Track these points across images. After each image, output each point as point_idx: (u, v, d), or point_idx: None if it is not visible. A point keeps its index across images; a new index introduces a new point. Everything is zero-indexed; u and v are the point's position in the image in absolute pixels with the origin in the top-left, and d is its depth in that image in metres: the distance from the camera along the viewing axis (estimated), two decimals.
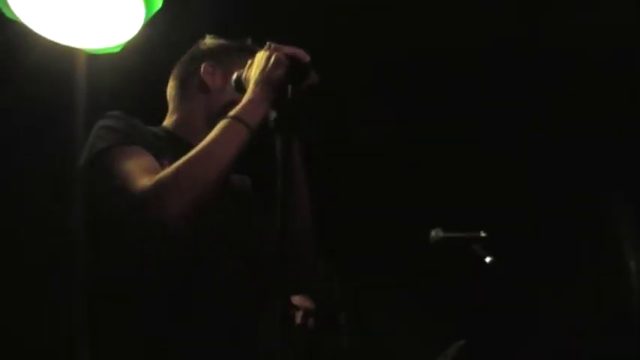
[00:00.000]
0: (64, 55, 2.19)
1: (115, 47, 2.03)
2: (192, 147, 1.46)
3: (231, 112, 1.47)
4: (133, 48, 2.02)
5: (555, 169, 3.87)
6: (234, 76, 1.60)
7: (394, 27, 3.17)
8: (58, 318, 3.20)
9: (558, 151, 3.81)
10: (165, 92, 1.76)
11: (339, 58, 2.92)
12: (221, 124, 1.46)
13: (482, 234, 2.39)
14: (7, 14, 1.95)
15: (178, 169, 1.39)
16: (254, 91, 1.49)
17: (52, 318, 3.26)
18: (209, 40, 1.76)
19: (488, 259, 2.36)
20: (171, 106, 1.74)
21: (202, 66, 1.68)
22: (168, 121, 1.71)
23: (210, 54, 1.72)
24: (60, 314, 3.17)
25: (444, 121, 3.65)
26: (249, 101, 1.48)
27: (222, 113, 1.52)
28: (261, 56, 1.52)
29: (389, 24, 3.15)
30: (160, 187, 1.36)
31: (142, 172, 1.41)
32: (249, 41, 1.73)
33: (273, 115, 1.47)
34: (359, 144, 3.69)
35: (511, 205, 3.91)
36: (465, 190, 3.93)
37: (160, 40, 1.99)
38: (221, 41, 1.75)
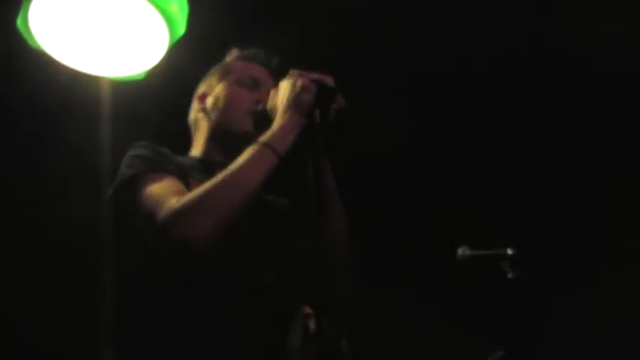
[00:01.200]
0: (89, 83, 2.21)
1: (139, 74, 2.04)
2: (219, 166, 1.50)
3: (261, 138, 1.49)
4: (156, 74, 2.03)
5: (559, 170, 3.84)
6: (258, 108, 1.61)
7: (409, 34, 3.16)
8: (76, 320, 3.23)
9: (562, 152, 3.77)
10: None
11: (356, 63, 2.92)
12: (250, 150, 1.48)
13: (510, 251, 2.37)
14: (32, 44, 1.96)
15: (204, 192, 1.41)
16: (283, 118, 1.50)
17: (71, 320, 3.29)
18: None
19: (511, 276, 2.35)
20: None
21: (195, 98, 1.79)
22: (193, 151, 1.77)
23: (200, 86, 1.82)
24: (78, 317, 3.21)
25: (455, 130, 3.63)
26: (280, 128, 1.50)
27: (224, 130, 1.67)
28: (286, 84, 1.53)
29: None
30: (184, 208, 1.38)
31: (170, 195, 1.43)
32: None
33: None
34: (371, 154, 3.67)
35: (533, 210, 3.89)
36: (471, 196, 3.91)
37: (183, 66, 2.01)
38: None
